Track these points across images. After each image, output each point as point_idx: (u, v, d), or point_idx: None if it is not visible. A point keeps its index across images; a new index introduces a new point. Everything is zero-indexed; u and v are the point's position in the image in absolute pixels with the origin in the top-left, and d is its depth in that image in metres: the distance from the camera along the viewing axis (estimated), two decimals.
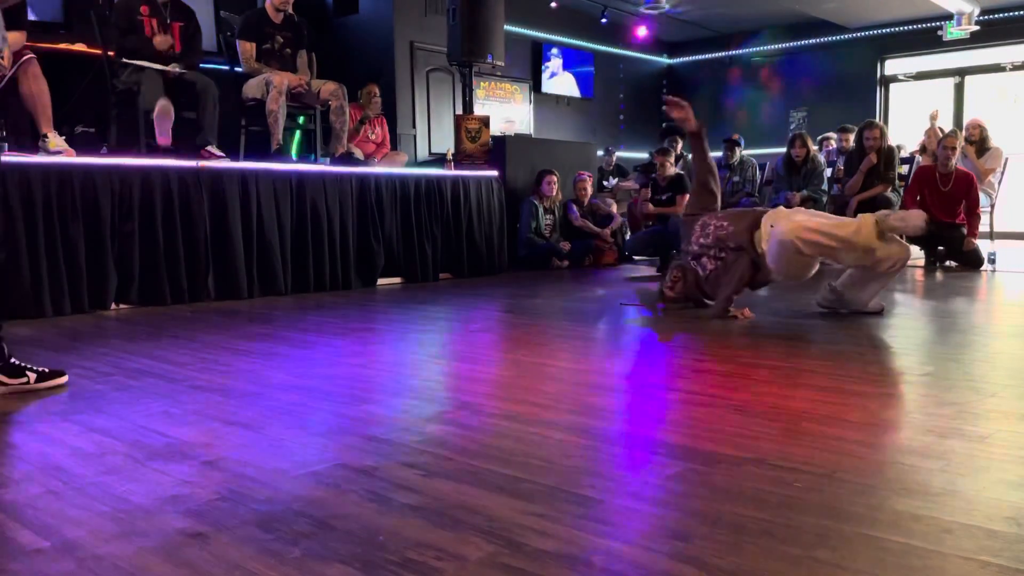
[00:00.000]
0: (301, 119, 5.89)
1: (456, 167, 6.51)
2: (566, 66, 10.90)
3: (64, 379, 2.52)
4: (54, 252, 4.09)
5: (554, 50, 10.73)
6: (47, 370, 2.50)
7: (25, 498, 1.54)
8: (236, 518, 1.42)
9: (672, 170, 6.79)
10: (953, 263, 6.45)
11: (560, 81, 10.87)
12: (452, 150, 6.77)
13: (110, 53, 5.09)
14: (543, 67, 10.62)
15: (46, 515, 1.45)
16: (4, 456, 1.81)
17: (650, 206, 6.74)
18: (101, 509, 1.47)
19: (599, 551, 1.27)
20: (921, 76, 10.74)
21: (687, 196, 6.62)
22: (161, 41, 4.92)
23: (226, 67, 6.05)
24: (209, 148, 4.92)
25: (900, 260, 3.56)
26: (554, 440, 1.88)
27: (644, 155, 10.40)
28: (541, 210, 6.85)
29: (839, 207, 6.96)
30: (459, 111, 7.51)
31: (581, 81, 11.13)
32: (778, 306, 4.27)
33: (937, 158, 6.49)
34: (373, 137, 6.69)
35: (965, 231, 6.30)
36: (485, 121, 6.73)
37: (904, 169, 7.49)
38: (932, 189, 6.41)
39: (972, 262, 6.22)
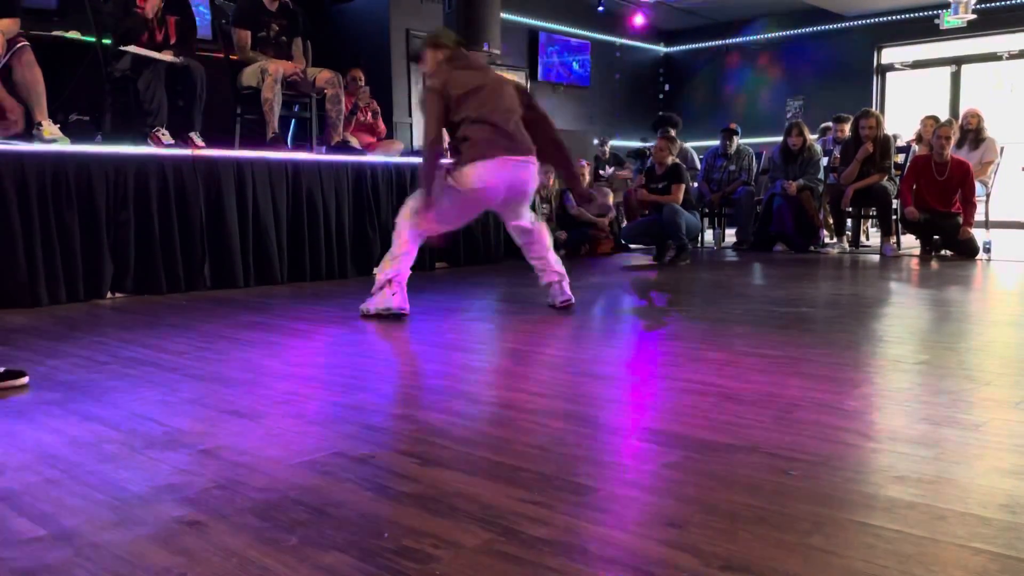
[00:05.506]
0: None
1: (452, 155, 6.47)
2: (561, 54, 10.91)
3: (23, 380, 2.27)
4: (49, 241, 4.08)
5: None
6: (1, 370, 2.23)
7: (22, 486, 1.54)
8: (232, 506, 1.42)
9: (671, 159, 6.77)
10: (949, 252, 6.46)
11: (559, 69, 10.89)
12: (448, 139, 6.74)
13: (105, 41, 5.07)
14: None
15: (43, 503, 1.45)
16: (1, 445, 1.81)
17: (644, 192, 6.72)
18: (98, 497, 1.47)
19: (594, 538, 1.28)
20: (918, 65, 10.72)
21: (683, 186, 6.63)
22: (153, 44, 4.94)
23: (221, 55, 6.01)
24: (192, 136, 4.92)
25: None
26: (550, 428, 1.89)
27: (641, 143, 10.37)
28: (537, 199, 6.83)
29: (835, 196, 6.97)
30: None
31: (578, 69, 11.11)
32: (775, 295, 4.28)
33: (932, 147, 6.49)
34: (365, 120, 6.64)
35: (961, 220, 6.30)
36: None
37: (900, 158, 7.48)
38: (928, 178, 6.41)
39: (968, 251, 6.23)
